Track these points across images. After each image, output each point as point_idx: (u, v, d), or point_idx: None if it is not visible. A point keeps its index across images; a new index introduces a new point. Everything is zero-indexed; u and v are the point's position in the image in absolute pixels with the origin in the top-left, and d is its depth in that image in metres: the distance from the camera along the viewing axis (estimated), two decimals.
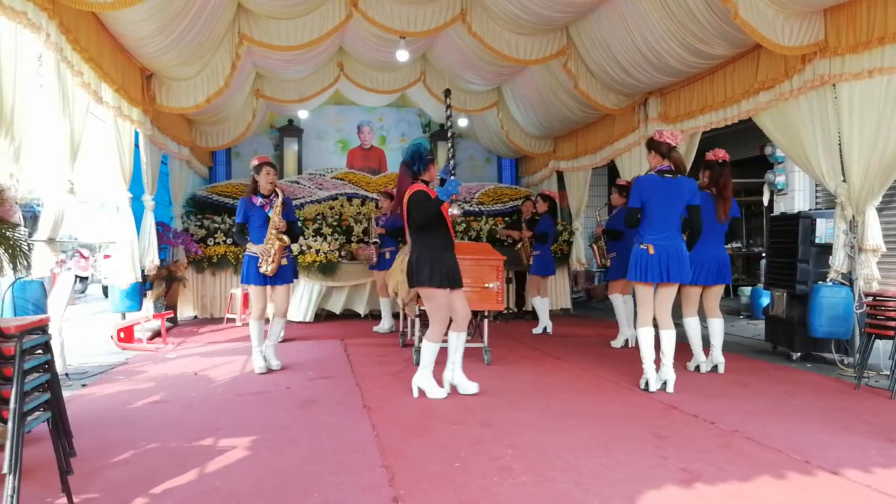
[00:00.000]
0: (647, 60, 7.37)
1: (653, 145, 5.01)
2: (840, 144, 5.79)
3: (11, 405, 2.40)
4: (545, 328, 8.35)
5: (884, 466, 3.25)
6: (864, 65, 5.46)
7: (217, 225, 9.81)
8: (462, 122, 12.84)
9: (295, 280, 6.27)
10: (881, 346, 5.44)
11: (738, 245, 14.05)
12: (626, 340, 7.18)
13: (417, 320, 6.13)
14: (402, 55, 8.99)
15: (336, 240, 9.68)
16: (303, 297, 9.40)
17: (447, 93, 6.87)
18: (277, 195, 5.65)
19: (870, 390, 5.00)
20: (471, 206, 11.40)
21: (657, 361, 4.98)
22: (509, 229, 9.63)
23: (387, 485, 2.98)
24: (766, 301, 7.90)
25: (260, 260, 5.58)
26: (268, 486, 2.99)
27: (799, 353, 6.29)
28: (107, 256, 14.22)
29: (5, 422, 2.45)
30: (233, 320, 9.11)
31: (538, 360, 6.31)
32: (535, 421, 4.12)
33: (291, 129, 13.06)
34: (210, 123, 10.18)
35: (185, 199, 10.12)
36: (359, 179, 12.14)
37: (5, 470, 2.36)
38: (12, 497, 2.35)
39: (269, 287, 5.77)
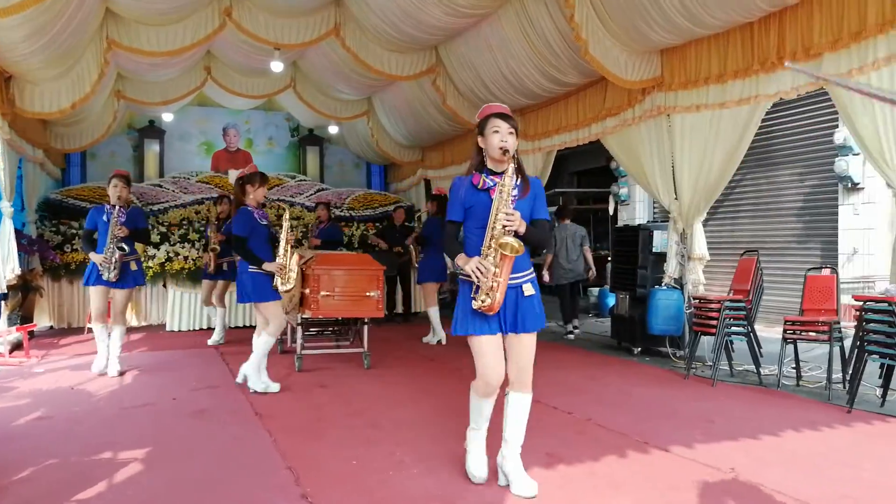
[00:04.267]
0: (509, 83, 8.02)
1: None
2: (673, 167, 6.70)
3: None
4: (440, 340, 7.94)
5: (704, 443, 3.99)
6: (692, 100, 6.34)
7: (74, 230, 9.42)
8: (332, 129, 13.04)
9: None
10: (706, 342, 6.39)
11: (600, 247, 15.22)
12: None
13: (299, 328, 6.37)
14: (277, 66, 9.10)
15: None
16: (174, 305, 9.27)
17: None
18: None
19: (697, 379, 5.89)
20: (342, 210, 11.61)
21: None
22: (379, 236, 10.02)
23: (293, 484, 3.29)
24: (612, 302, 8.84)
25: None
26: (180, 491, 3.20)
27: (639, 348, 7.19)
28: None
29: None
30: None
31: (413, 363, 6.76)
32: (417, 419, 4.56)
33: (152, 131, 12.67)
34: (67, 125, 9.71)
35: (38, 202, 9.61)
36: (225, 183, 12.00)
37: None
38: None
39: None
